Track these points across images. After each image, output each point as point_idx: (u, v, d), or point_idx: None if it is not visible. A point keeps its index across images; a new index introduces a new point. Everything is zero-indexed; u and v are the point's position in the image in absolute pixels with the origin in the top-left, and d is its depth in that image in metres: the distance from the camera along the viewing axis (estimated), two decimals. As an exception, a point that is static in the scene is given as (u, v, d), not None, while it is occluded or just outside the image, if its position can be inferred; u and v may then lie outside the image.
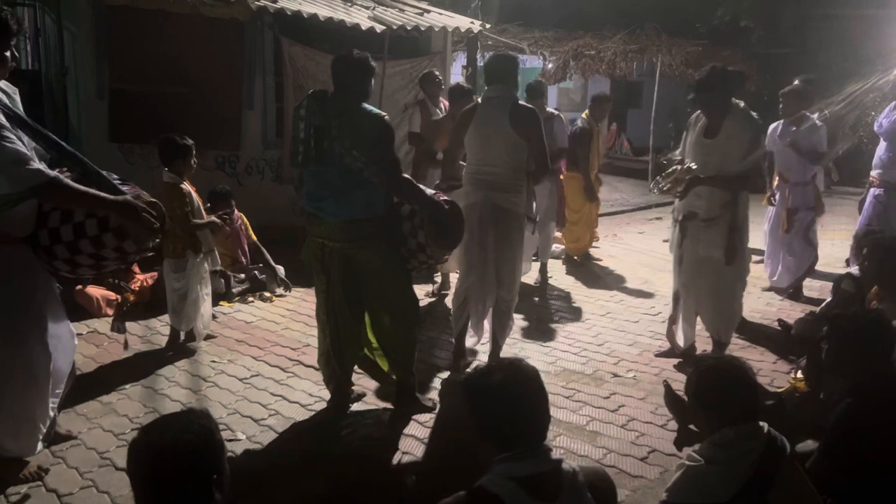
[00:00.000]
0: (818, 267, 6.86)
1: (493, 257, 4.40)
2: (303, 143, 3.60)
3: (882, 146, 6.03)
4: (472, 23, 8.84)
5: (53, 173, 2.78)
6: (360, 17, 7.71)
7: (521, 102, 4.40)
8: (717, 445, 2.26)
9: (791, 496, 2.20)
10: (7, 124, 2.73)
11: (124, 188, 2.97)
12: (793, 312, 5.82)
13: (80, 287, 5.36)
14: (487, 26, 9.54)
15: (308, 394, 4.16)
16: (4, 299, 2.90)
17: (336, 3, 8.31)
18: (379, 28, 7.49)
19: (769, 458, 2.20)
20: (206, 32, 7.24)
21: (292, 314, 5.69)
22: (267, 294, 6.10)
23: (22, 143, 2.75)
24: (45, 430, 3.23)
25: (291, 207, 8.04)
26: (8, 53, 2.86)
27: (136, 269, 5.80)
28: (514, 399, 1.93)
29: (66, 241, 2.91)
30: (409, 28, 7.79)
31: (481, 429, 1.97)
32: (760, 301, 6.19)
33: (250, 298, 6.00)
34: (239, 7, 7.16)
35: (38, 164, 2.74)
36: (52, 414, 3.27)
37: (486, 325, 4.67)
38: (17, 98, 2.97)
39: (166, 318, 4.96)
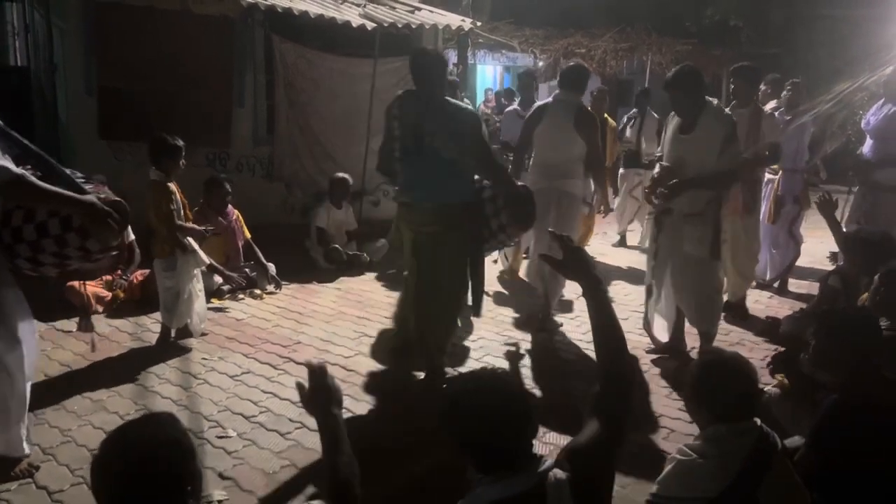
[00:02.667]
0: (805, 264, 6.92)
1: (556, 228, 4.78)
2: (399, 140, 4.02)
3: (869, 144, 6.06)
4: (462, 21, 8.83)
5: (19, 170, 2.72)
6: (351, 15, 7.70)
7: (585, 108, 5.17)
8: (710, 440, 2.28)
9: (780, 491, 2.22)
10: None
11: (88, 187, 2.96)
12: (781, 310, 5.86)
13: (70, 284, 5.34)
14: (478, 24, 9.54)
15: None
16: None
17: (327, 1, 8.30)
18: (370, 25, 7.47)
19: (760, 453, 2.22)
20: (197, 29, 7.22)
21: (283, 311, 5.69)
22: (258, 291, 6.09)
23: None
24: (27, 429, 3.19)
25: (282, 205, 8.05)
26: None
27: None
28: (494, 419, 1.78)
29: (28, 240, 2.90)
30: (399, 26, 7.78)
31: (460, 445, 1.85)
32: (748, 298, 6.22)
33: (241, 296, 5.99)
34: (229, 4, 7.14)
35: (2, 161, 2.69)
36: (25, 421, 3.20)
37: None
38: None
39: (157, 315, 4.95)
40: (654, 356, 4.83)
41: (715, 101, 4.51)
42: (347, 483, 1.85)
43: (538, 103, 5.43)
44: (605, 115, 7.57)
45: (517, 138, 5.68)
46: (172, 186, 4.66)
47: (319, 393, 1.95)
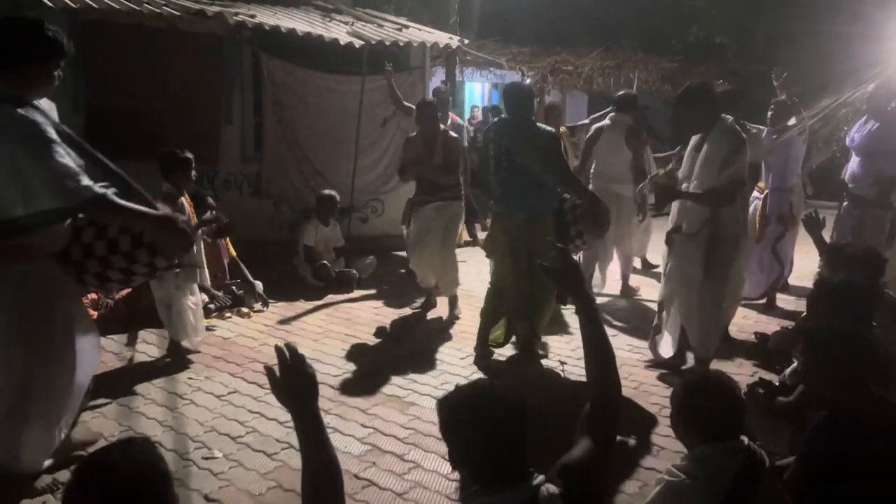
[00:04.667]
0: (794, 281, 6.94)
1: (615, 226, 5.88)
2: (494, 159, 4.70)
3: (854, 161, 6.11)
4: (450, 38, 8.87)
5: (102, 189, 2.84)
6: (339, 33, 7.71)
7: (633, 126, 6.30)
8: (697, 461, 2.26)
9: (770, 510, 2.21)
10: (57, 139, 2.79)
11: (158, 206, 3.13)
12: (769, 325, 5.87)
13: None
14: (466, 42, 9.58)
15: (286, 411, 4.10)
16: (37, 313, 2.93)
17: (315, 18, 8.32)
18: (357, 43, 7.49)
19: (749, 473, 2.21)
20: (184, 47, 7.21)
21: (270, 330, 5.65)
22: (245, 309, 6.05)
23: (71, 159, 2.81)
24: (56, 446, 3.21)
25: (270, 222, 8.03)
26: (57, 73, 2.95)
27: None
28: (486, 434, 1.77)
29: (98, 255, 3.02)
30: (387, 43, 7.81)
31: (454, 457, 1.85)
32: (737, 314, 6.22)
33: (228, 314, 5.94)
34: (217, 22, 7.15)
35: (87, 180, 2.80)
36: (65, 431, 3.23)
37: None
38: (55, 113, 3.04)
39: (143, 334, 4.91)
40: (645, 373, 4.83)
41: (730, 119, 4.46)
42: (329, 488, 1.71)
43: (597, 125, 6.61)
44: (563, 128, 7.91)
45: None
46: (183, 200, 4.69)
47: (295, 380, 1.74)
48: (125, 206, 2.92)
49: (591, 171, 6.58)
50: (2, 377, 2.95)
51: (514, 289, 4.85)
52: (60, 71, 2.98)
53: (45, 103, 2.99)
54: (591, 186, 6.10)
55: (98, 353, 3.30)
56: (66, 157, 2.78)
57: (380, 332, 5.70)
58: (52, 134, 2.78)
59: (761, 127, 6.24)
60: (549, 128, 4.75)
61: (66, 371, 3.05)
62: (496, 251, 4.94)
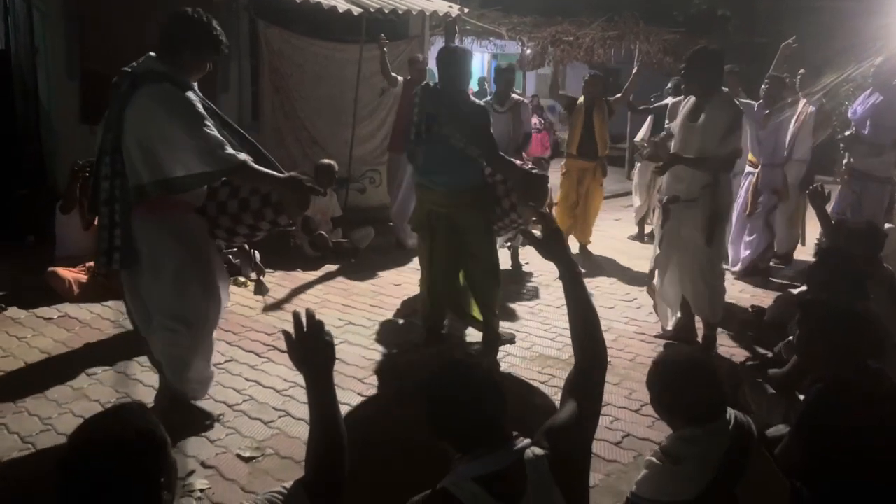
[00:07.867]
0: (800, 255, 6.94)
1: None
2: (416, 126, 4.36)
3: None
4: (450, 7, 8.76)
5: (244, 157, 3.19)
6: (337, 0, 7.62)
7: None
8: (685, 441, 2.23)
9: (758, 482, 2.20)
10: (206, 115, 3.18)
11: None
12: (766, 299, 5.87)
13: (52, 269, 5.27)
14: (466, 10, 9.47)
15: (283, 379, 4.13)
16: (196, 255, 3.32)
17: (313, -14, 8.21)
18: (356, 11, 7.40)
19: (737, 449, 2.19)
20: (181, 13, 7.11)
21: (267, 299, 5.64)
22: (241, 279, 6.03)
23: (217, 131, 3.18)
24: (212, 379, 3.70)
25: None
26: (208, 65, 3.37)
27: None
28: (464, 403, 1.88)
29: (231, 212, 3.43)
30: (386, 11, 7.72)
31: (438, 430, 1.92)
32: (734, 287, 6.23)
33: (225, 283, 5.92)
34: (214, -13, 7.04)
35: (231, 150, 3.16)
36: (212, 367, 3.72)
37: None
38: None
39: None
40: (641, 345, 4.85)
41: (725, 90, 4.51)
42: (335, 455, 1.78)
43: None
44: (604, 99, 7.15)
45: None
46: None
47: (312, 346, 1.80)
48: (261, 171, 3.26)
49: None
50: (167, 314, 3.30)
51: (430, 269, 4.61)
52: (211, 64, 3.37)
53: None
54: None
55: (227, 299, 3.64)
56: (214, 129, 3.15)
57: (377, 302, 5.70)
58: (202, 110, 3.18)
59: (751, 101, 6.24)
60: (479, 101, 4.48)
61: (218, 310, 3.48)
62: (419, 226, 4.64)
